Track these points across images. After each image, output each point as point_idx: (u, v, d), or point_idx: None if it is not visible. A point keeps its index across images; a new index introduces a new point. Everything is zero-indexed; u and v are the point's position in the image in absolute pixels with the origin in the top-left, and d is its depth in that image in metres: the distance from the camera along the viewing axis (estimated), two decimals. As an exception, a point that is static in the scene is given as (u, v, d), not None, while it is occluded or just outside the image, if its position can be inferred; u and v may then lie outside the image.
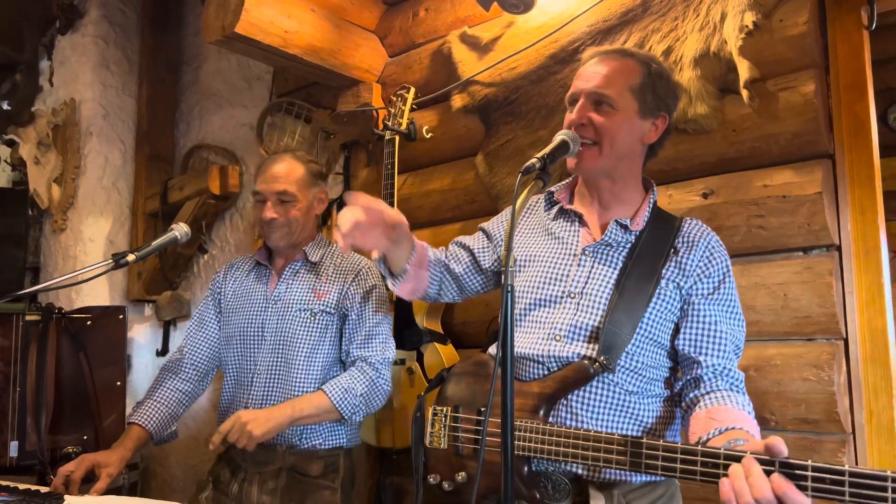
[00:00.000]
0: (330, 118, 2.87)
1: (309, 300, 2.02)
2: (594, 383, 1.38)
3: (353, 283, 2.04)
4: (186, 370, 2.11)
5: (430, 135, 2.54)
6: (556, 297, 1.46)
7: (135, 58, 3.84)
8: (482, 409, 1.47)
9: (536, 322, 1.47)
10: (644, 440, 1.22)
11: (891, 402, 1.72)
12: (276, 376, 1.98)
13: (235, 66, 3.54)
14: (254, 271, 2.15)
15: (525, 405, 1.39)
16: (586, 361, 1.35)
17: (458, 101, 2.48)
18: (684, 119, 1.92)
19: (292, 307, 2.02)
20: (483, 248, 1.73)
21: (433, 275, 1.71)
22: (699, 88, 1.89)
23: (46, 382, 2.49)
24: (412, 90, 2.49)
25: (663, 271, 1.42)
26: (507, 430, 1.06)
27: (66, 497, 1.50)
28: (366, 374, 1.95)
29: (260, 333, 2.03)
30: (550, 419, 1.38)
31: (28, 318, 2.52)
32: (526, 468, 1.37)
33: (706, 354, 1.38)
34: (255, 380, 2.00)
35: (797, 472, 1.03)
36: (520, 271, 1.56)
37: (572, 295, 1.44)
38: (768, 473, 1.02)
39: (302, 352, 1.99)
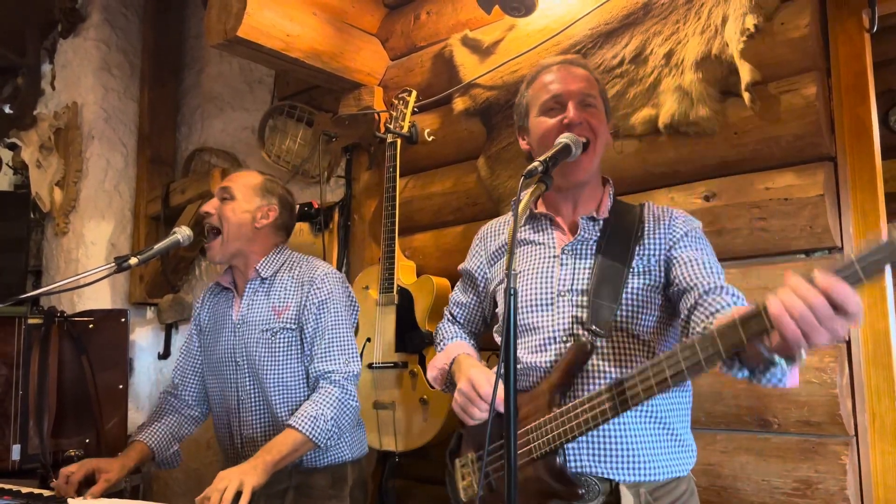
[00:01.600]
0: (331, 121, 2.88)
1: (269, 319, 1.96)
2: (591, 368, 1.39)
3: (309, 294, 1.96)
4: (184, 396, 2.11)
5: (431, 138, 2.54)
6: (549, 299, 1.48)
7: (136, 61, 3.85)
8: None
9: (537, 328, 1.47)
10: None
11: (893, 404, 1.72)
12: (258, 400, 1.96)
13: (237, 70, 3.55)
14: (220, 295, 2.12)
15: (539, 406, 1.39)
16: (582, 339, 1.38)
17: (459, 104, 2.49)
18: (686, 122, 1.92)
19: (255, 329, 1.97)
20: (474, 296, 1.77)
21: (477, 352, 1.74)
22: (701, 91, 1.90)
23: (48, 386, 2.50)
24: (414, 93, 2.50)
25: (635, 249, 1.47)
26: (511, 436, 1.06)
27: (70, 501, 1.50)
28: (331, 396, 1.87)
29: (233, 359, 1.99)
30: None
31: (30, 321, 2.52)
32: (558, 463, 1.36)
33: (700, 279, 1.38)
34: (241, 406, 1.98)
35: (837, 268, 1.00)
36: (503, 290, 1.57)
37: (562, 294, 1.46)
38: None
39: (272, 374, 1.94)
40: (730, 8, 1.87)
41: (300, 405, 1.91)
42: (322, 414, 1.82)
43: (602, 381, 1.39)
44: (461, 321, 1.79)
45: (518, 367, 1.48)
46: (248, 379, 1.97)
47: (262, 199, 2.03)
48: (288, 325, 1.95)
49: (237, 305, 2.04)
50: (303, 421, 1.80)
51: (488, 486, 1.47)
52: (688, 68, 1.92)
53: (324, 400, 1.86)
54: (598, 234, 1.51)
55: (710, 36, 1.90)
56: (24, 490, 1.75)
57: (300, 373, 1.96)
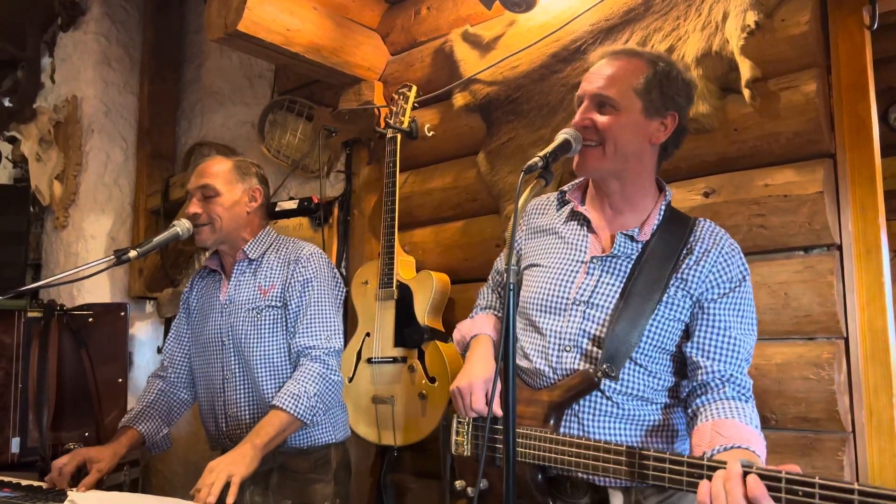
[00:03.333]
0: (332, 116, 2.87)
1: (255, 298, 1.99)
2: (601, 394, 1.38)
3: (294, 272, 1.99)
4: (172, 378, 2.11)
5: (431, 133, 2.54)
6: (564, 304, 1.45)
7: (136, 55, 3.83)
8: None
9: (545, 330, 1.46)
10: (651, 452, 1.22)
11: (891, 401, 1.72)
12: (244, 380, 1.98)
13: (237, 64, 3.54)
14: (208, 278, 2.14)
15: (537, 414, 1.40)
16: (591, 370, 1.36)
17: (459, 99, 2.48)
18: (686, 118, 1.92)
19: (242, 309, 1.99)
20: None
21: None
22: (701, 88, 1.89)
23: (48, 379, 2.50)
24: (414, 88, 2.49)
25: (672, 277, 1.39)
26: (510, 433, 1.06)
27: (70, 493, 1.50)
28: (313, 372, 1.89)
29: (220, 339, 2.02)
30: (561, 429, 1.40)
31: (30, 314, 2.52)
32: (540, 475, 1.38)
33: (714, 360, 1.35)
34: (226, 386, 2.00)
35: (771, 481, 1.04)
36: (528, 276, 1.57)
37: (578, 303, 1.43)
38: (745, 476, 1.04)
39: (257, 352, 1.96)
40: (730, 4, 1.87)
41: (285, 382, 1.93)
42: (305, 391, 1.83)
43: (604, 407, 1.39)
44: (499, 290, 1.80)
45: (526, 364, 1.50)
46: (233, 358, 1.99)
47: (243, 184, 2.04)
48: (273, 303, 1.98)
49: (224, 287, 2.06)
50: (286, 400, 1.81)
51: (477, 455, 1.53)
52: (688, 65, 1.92)
53: (306, 377, 1.87)
54: (635, 256, 1.43)
55: (711, 32, 1.90)
56: (24, 483, 1.75)
57: (285, 350, 1.98)
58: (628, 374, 1.38)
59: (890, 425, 1.71)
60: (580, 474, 1.36)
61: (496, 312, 1.74)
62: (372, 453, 2.60)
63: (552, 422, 1.38)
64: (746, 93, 1.82)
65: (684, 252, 1.41)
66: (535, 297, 1.50)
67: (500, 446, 1.41)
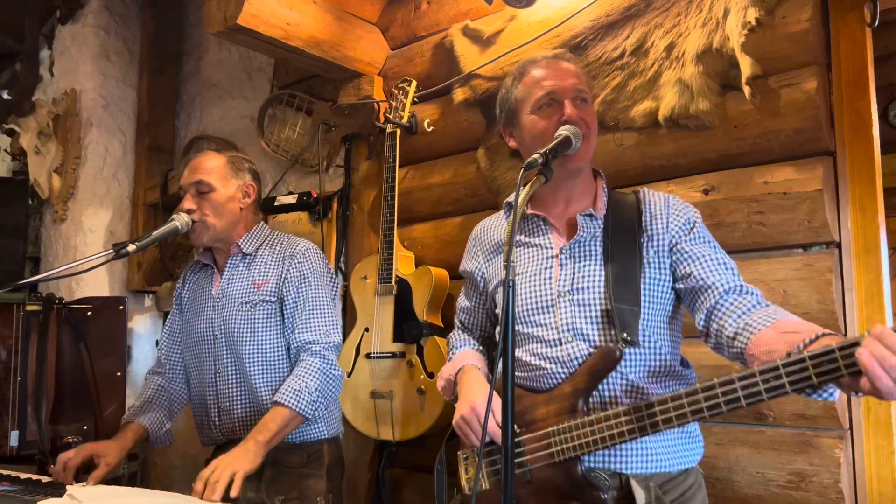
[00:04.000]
0: (331, 110, 2.87)
1: (249, 292, 1.99)
2: (618, 375, 1.38)
3: (290, 267, 1.99)
4: (170, 374, 2.11)
5: (431, 128, 2.53)
6: (549, 301, 1.45)
7: (135, 48, 3.82)
8: (518, 430, 1.43)
9: (538, 332, 1.46)
10: (738, 373, 1.17)
11: (888, 398, 1.72)
12: (236, 374, 1.98)
13: (237, 58, 3.53)
14: (201, 273, 2.14)
15: (562, 408, 1.37)
16: (610, 345, 1.36)
17: (459, 94, 2.48)
18: (686, 115, 1.92)
19: (235, 302, 1.99)
20: (476, 297, 1.75)
21: (485, 355, 1.73)
22: (701, 84, 1.89)
23: (47, 372, 2.50)
24: (413, 83, 2.49)
25: (642, 238, 1.45)
26: (508, 432, 1.06)
27: (69, 487, 1.50)
28: (313, 367, 1.89)
29: (212, 333, 2.01)
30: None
31: (28, 308, 2.52)
32: (579, 470, 1.35)
33: (718, 277, 1.37)
34: (218, 380, 2.00)
35: None
36: (501, 292, 1.56)
37: (562, 294, 1.44)
38: None
39: (250, 346, 1.96)
40: (731, 1, 1.86)
41: (279, 377, 1.95)
42: (306, 386, 1.84)
43: (619, 386, 1.39)
44: (469, 327, 1.78)
45: (528, 371, 1.48)
46: (225, 352, 1.99)
47: (237, 179, 2.04)
48: (268, 298, 1.98)
49: (217, 281, 2.06)
50: (288, 395, 1.82)
51: (497, 482, 1.47)
52: (689, 61, 1.92)
53: (306, 372, 1.87)
54: (602, 232, 1.48)
55: (712, 29, 1.89)
56: (23, 476, 1.76)
57: (279, 345, 1.98)
58: (641, 344, 1.39)
59: (887, 422, 1.72)
60: (614, 462, 1.36)
61: (474, 346, 1.73)
62: (370, 448, 2.60)
63: (580, 407, 1.36)
64: (747, 90, 1.82)
65: (640, 214, 1.48)
66: (521, 303, 1.49)
67: (528, 457, 1.39)
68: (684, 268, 1.42)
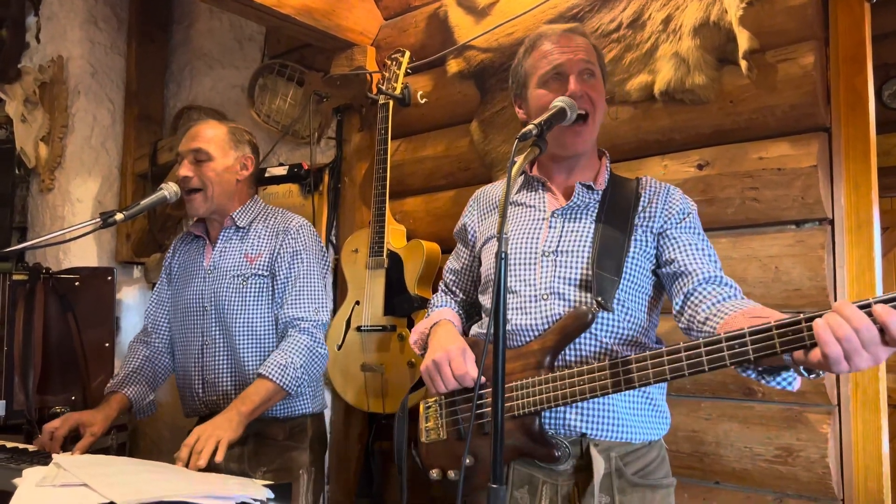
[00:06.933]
0: (323, 81, 2.82)
1: (241, 265, 1.98)
2: (587, 336, 1.38)
3: (283, 243, 1.98)
4: (155, 343, 2.10)
5: (424, 100, 2.50)
6: (532, 259, 1.46)
7: (124, 15, 3.74)
8: (485, 381, 1.44)
9: (516, 287, 1.46)
10: (690, 343, 1.19)
11: (876, 374, 1.73)
12: (224, 346, 1.97)
13: (227, 27, 3.47)
14: (192, 244, 2.12)
15: (528, 364, 1.38)
16: (584, 307, 1.36)
17: (453, 66, 2.44)
18: (682, 89, 1.90)
19: (226, 275, 1.98)
20: (467, 258, 1.74)
21: (463, 318, 1.73)
22: (698, 58, 1.87)
23: (34, 342, 2.48)
24: (407, 54, 2.45)
25: (635, 219, 1.46)
26: (498, 388, 1.05)
27: (55, 456, 1.49)
28: (301, 343, 1.89)
29: (201, 305, 2.00)
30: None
31: (15, 277, 2.50)
32: (537, 425, 1.36)
33: (699, 265, 1.39)
34: (205, 352, 1.99)
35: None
36: (488, 248, 1.58)
37: (546, 254, 1.45)
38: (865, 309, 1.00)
39: (240, 319, 1.96)
40: (731, -27, 1.83)
41: (266, 351, 1.95)
42: (292, 362, 1.84)
43: (591, 350, 1.39)
44: (454, 289, 1.78)
45: (490, 326, 1.47)
46: (214, 324, 1.98)
47: (236, 151, 2.03)
48: (259, 272, 1.97)
49: (209, 252, 2.05)
50: (273, 369, 1.82)
51: (458, 432, 1.48)
52: (685, 34, 1.89)
53: (293, 348, 1.88)
54: (598, 204, 1.49)
55: (710, 2, 1.87)
56: (9, 445, 1.74)
57: (268, 319, 1.98)
58: (615, 310, 1.39)
59: (875, 399, 1.73)
60: (575, 423, 1.36)
61: (453, 307, 1.73)
62: (360, 420, 2.60)
63: (547, 364, 1.36)
64: (743, 64, 1.80)
65: (638, 197, 1.50)
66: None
67: (489, 409, 1.40)
68: (670, 253, 1.44)
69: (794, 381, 1.19)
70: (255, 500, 1.18)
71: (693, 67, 1.88)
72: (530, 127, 1.26)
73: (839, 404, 1.75)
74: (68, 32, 3.64)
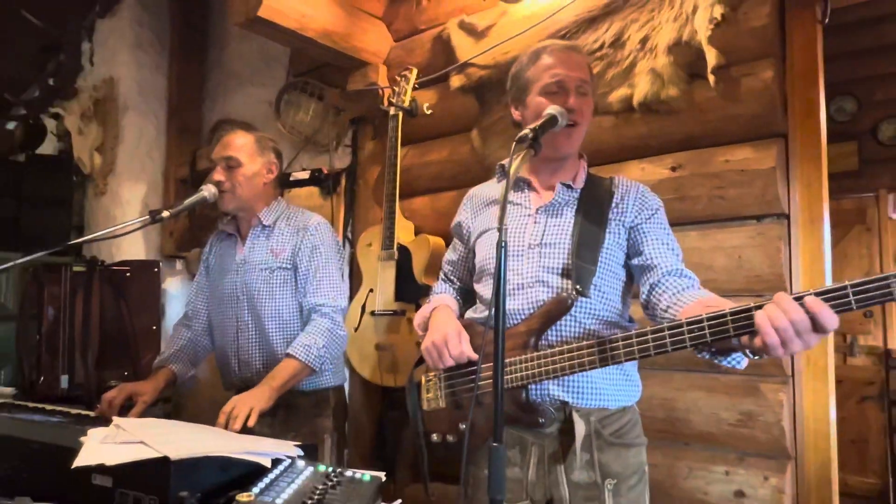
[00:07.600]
0: (340, 96, 2.83)
1: (267, 259, 1.99)
2: (571, 318, 1.39)
3: (304, 239, 1.99)
4: (195, 327, 2.12)
5: (430, 111, 2.51)
6: (520, 250, 1.46)
7: (166, 40, 3.75)
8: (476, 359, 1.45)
9: (508, 274, 1.45)
10: (652, 327, 1.21)
11: (825, 349, 1.74)
12: (255, 330, 1.99)
13: (256, 49, 3.47)
14: (226, 241, 2.13)
15: (516, 344, 1.39)
16: (564, 294, 1.37)
17: (455, 81, 2.44)
18: (657, 100, 1.90)
19: (255, 268, 1.99)
20: (462, 250, 1.73)
21: (460, 303, 1.73)
22: (671, 73, 1.87)
23: (92, 326, 2.51)
24: (414, 71, 2.46)
25: (609, 214, 1.46)
26: (498, 364, 1.06)
27: (114, 419, 1.51)
28: (322, 326, 1.90)
29: (235, 294, 2.01)
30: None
31: (75, 269, 2.52)
32: (524, 396, 1.38)
33: (664, 259, 1.40)
34: (239, 335, 2.01)
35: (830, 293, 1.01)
36: (482, 241, 1.57)
37: (532, 247, 1.45)
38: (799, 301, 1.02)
39: (268, 306, 1.97)
40: (699, -2, 1.84)
41: (292, 333, 1.96)
42: (315, 343, 1.86)
43: (571, 331, 1.40)
44: (451, 278, 1.78)
45: (490, 310, 1.47)
46: (246, 311, 1.99)
47: (262, 157, 2.03)
48: (284, 265, 1.98)
49: (240, 248, 2.06)
50: (299, 349, 1.85)
51: (455, 402, 1.49)
52: (661, 52, 1.90)
53: (316, 330, 1.89)
54: (576, 201, 1.49)
55: (682, 24, 1.87)
56: (73, 411, 1.76)
57: (293, 306, 1.99)
58: (592, 296, 1.40)
59: (824, 370, 1.74)
60: (556, 391, 1.37)
61: (452, 294, 1.73)
62: (375, 394, 2.62)
63: (532, 344, 1.38)
64: (711, 78, 1.80)
65: (611, 195, 1.50)
66: (491, 254, 1.50)
67: (481, 383, 1.41)
68: (639, 246, 1.44)
69: (742, 361, 1.21)
70: (287, 456, 1.19)
71: (667, 81, 1.88)
72: (527, 131, 1.27)
73: (793, 376, 1.76)
74: (118, 56, 3.65)
